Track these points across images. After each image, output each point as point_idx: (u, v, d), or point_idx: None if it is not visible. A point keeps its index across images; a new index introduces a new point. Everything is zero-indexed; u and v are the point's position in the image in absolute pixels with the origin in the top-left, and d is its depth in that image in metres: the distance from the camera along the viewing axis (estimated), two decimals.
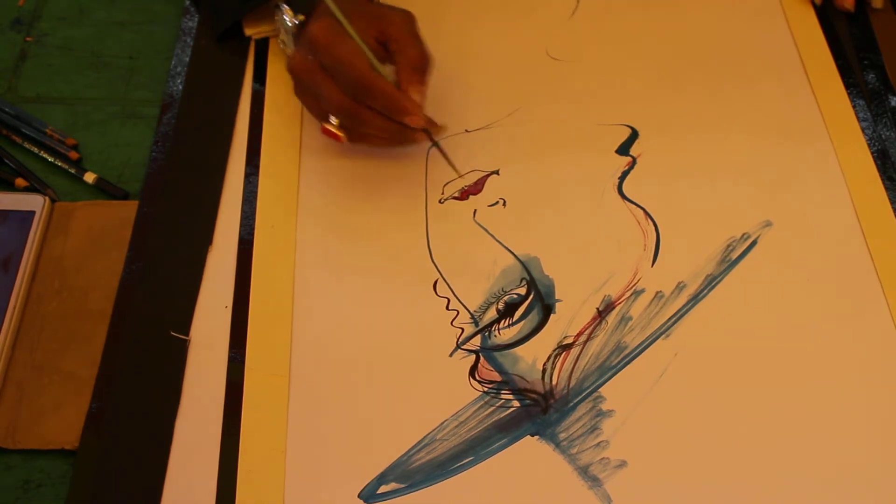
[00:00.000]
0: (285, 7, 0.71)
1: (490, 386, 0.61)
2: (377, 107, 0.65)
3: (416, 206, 0.69)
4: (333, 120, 0.67)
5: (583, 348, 0.63)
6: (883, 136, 0.73)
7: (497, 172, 0.71)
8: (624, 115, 0.74)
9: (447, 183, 0.70)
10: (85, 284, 0.66)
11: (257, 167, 0.71)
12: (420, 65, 0.66)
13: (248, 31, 0.78)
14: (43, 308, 0.65)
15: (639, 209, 0.69)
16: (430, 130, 0.67)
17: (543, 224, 0.68)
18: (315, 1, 0.69)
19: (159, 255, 0.67)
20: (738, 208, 0.69)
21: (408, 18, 0.68)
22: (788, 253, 0.67)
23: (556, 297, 0.65)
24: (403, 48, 0.67)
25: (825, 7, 0.81)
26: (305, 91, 0.68)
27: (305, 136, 0.73)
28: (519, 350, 0.63)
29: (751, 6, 0.82)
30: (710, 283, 0.65)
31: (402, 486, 0.58)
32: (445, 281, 0.66)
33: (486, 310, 0.64)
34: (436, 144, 0.69)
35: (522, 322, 0.64)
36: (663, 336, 0.63)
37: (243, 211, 0.69)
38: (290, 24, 0.71)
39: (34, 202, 0.69)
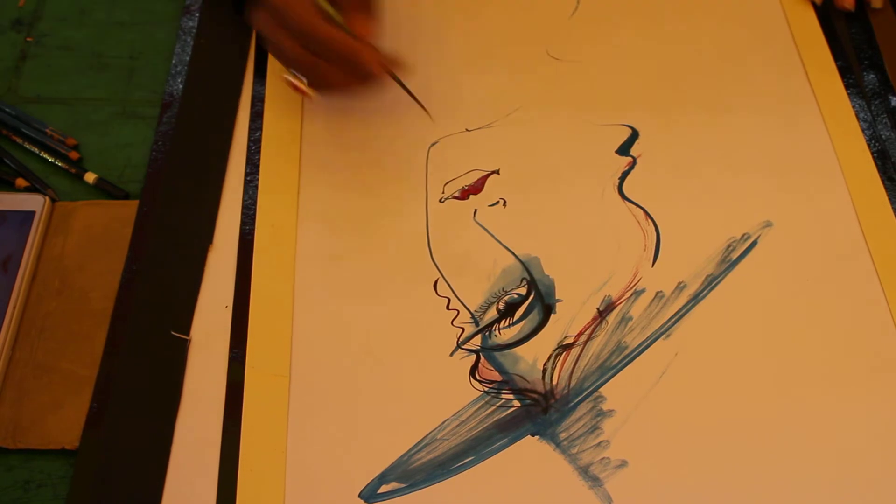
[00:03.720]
0: None
1: (490, 386, 0.61)
2: (329, 56, 0.64)
3: (416, 205, 0.69)
4: (293, 73, 0.66)
5: (583, 348, 0.63)
6: (883, 137, 0.73)
7: (497, 172, 0.71)
8: (624, 115, 0.74)
9: (447, 182, 0.70)
10: (85, 284, 0.66)
11: (257, 166, 0.71)
12: (362, 1, 0.65)
13: None
14: (43, 308, 0.65)
15: (639, 209, 0.69)
16: (389, 66, 0.66)
17: (544, 224, 0.69)
18: None
19: (159, 255, 0.67)
20: (738, 208, 0.69)
21: None
22: (788, 253, 0.67)
23: (557, 297, 0.65)
24: None
25: (825, 7, 0.81)
26: (273, 50, 0.67)
27: (306, 136, 0.73)
28: (519, 350, 0.63)
29: (751, 6, 0.82)
30: (711, 283, 0.65)
31: (403, 485, 0.58)
32: (446, 280, 0.66)
33: (487, 309, 0.64)
34: (398, 80, 0.67)
35: (523, 322, 0.64)
36: (664, 336, 0.63)
37: (244, 210, 0.69)
38: None
39: (34, 202, 0.69)
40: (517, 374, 0.62)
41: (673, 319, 0.64)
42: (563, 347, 0.63)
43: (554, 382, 0.61)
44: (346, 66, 0.65)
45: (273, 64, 0.77)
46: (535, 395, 0.61)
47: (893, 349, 0.63)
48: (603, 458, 0.58)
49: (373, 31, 0.65)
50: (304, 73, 0.66)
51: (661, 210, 0.69)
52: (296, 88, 0.67)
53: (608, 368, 0.62)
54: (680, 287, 0.65)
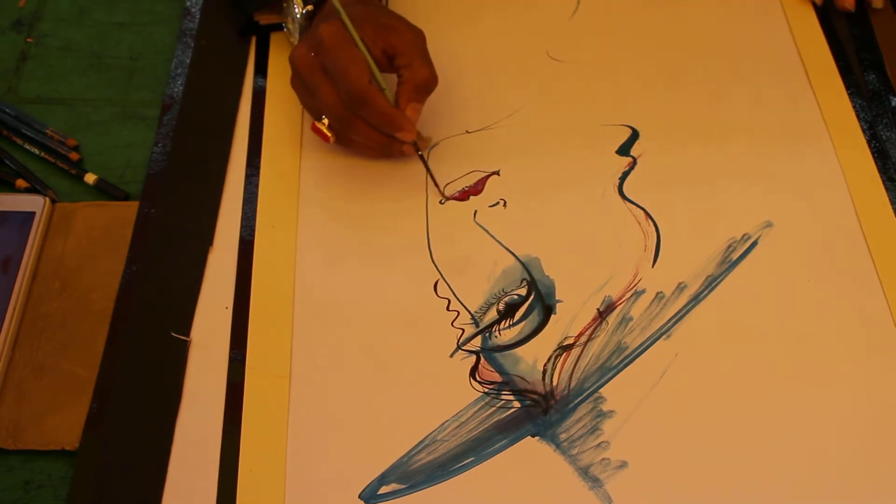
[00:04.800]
0: None
1: (490, 387, 0.61)
2: (370, 120, 0.66)
3: (416, 206, 0.69)
4: (325, 120, 0.67)
5: (583, 349, 0.63)
6: (883, 137, 0.73)
7: (497, 173, 0.71)
8: (624, 116, 0.74)
9: (447, 184, 0.70)
10: (85, 285, 0.66)
11: (258, 167, 0.71)
12: (425, 85, 0.68)
13: (258, 17, 0.78)
14: (43, 308, 0.65)
15: (639, 210, 0.69)
16: (418, 143, 0.70)
17: (544, 225, 0.68)
18: None
19: (160, 256, 0.67)
20: (738, 209, 0.69)
21: (418, 35, 0.69)
22: (789, 253, 0.67)
23: (557, 298, 0.65)
24: (412, 64, 0.68)
25: (826, 7, 0.81)
26: (302, 86, 0.69)
27: (306, 137, 0.73)
28: (519, 351, 0.63)
29: (751, 6, 0.82)
30: (711, 283, 0.65)
31: (403, 486, 0.57)
32: (446, 282, 0.66)
33: (487, 310, 0.64)
34: (421, 158, 0.70)
35: (523, 323, 0.64)
36: (664, 337, 0.63)
37: (244, 211, 0.69)
38: (297, 14, 0.72)
39: (35, 203, 0.69)
40: (517, 375, 0.62)
41: (673, 320, 0.64)
42: (564, 348, 0.63)
43: (554, 383, 0.61)
44: (381, 136, 0.68)
45: (275, 71, 0.77)
46: (535, 396, 0.61)
47: (893, 349, 0.62)
48: (603, 459, 0.58)
49: (418, 118, 0.68)
50: (334, 123, 0.68)
51: (662, 210, 0.69)
52: (321, 134, 0.69)
53: (608, 369, 0.62)
54: (680, 287, 0.65)
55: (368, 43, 0.67)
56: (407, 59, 0.68)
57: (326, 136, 0.68)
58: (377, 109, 0.66)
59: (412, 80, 0.67)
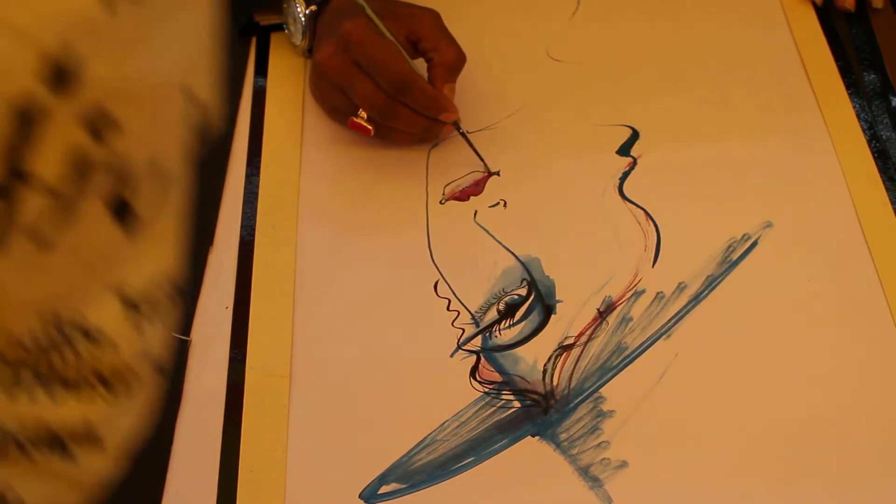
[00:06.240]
0: None
1: (491, 386, 0.61)
2: (414, 105, 0.67)
3: (416, 207, 0.69)
4: (362, 114, 0.68)
5: (583, 349, 0.63)
6: (883, 137, 0.73)
7: (498, 173, 0.71)
8: (624, 116, 0.74)
9: (448, 184, 0.70)
10: None
11: (258, 168, 0.71)
12: (456, 64, 0.69)
13: (258, 17, 0.78)
14: None
15: (639, 210, 0.69)
16: (457, 123, 0.70)
17: (544, 225, 0.68)
18: None
19: None
20: (738, 209, 0.69)
21: (436, 17, 0.70)
22: (789, 253, 0.67)
23: (557, 298, 0.65)
24: (439, 47, 0.69)
25: (826, 7, 0.81)
26: (331, 87, 0.69)
27: (306, 137, 0.73)
28: (520, 351, 0.63)
29: (751, 6, 0.82)
30: (711, 283, 0.65)
31: (403, 486, 0.58)
32: (446, 282, 0.66)
33: (487, 310, 0.64)
34: (464, 136, 0.71)
35: (523, 323, 0.64)
36: (664, 337, 0.63)
37: (244, 211, 0.69)
38: (300, 14, 0.72)
39: None
40: (517, 375, 0.62)
41: (673, 320, 0.64)
42: (564, 348, 0.63)
43: (554, 383, 0.61)
44: (425, 120, 0.68)
45: (275, 71, 0.77)
46: (535, 396, 0.61)
47: (893, 349, 0.62)
48: (603, 459, 0.58)
49: (453, 96, 0.69)
50: (375, 115, 0.68)
51: (662, 210, 0.69)
52: (360, 128, 0.69)
53: (608, 369, 0.62)
54: (680, 287, 0.65)
55: (393, 32, 0.67)
56: (432, 43, 0.69)
57: (367, 129, 0.68)
58: (422, 93, 0.66)
59: (443, 61, 0.69)
